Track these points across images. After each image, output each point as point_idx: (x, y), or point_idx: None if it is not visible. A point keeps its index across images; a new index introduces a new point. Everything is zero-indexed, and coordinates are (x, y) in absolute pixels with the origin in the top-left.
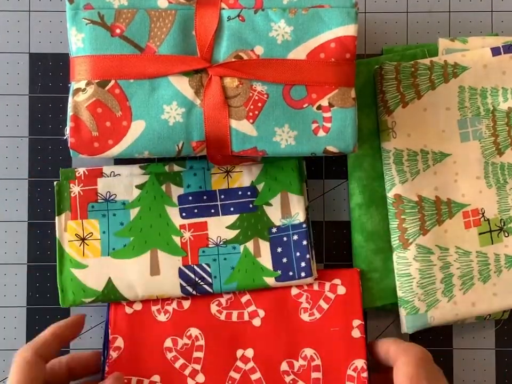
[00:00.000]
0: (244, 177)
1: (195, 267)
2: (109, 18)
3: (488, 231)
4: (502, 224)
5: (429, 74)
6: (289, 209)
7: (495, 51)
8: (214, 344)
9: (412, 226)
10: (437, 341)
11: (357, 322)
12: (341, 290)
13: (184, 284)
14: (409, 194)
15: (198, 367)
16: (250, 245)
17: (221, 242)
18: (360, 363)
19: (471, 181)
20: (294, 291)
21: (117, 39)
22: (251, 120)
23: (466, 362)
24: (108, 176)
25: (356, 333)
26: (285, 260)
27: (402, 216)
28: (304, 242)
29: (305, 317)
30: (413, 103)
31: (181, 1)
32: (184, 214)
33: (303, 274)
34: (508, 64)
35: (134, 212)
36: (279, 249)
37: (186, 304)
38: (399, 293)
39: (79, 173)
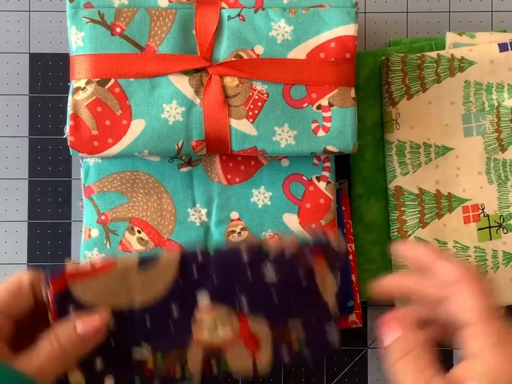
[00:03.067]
0: None
1: None
2: (109, 17)
3: (487, 227)
4: (502, 220)
5: (435, 68)
6: None
7: (502, 47)
8: None
9: (412, 218)
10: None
11: None
12: None
13: None
14: (410, 186)
15: None
16: None
17: None
18: None
19: (473, 176)
20: None
21: (117, 38)
22: (251, 120)
23: None
24: None
25: None
26: None
27: (402, 208)
28: None
29: None
30: (417, 95)
31: (181, 1)
32: None
33: None
34: None
35: None
36: None
37: None
38: None
39: None
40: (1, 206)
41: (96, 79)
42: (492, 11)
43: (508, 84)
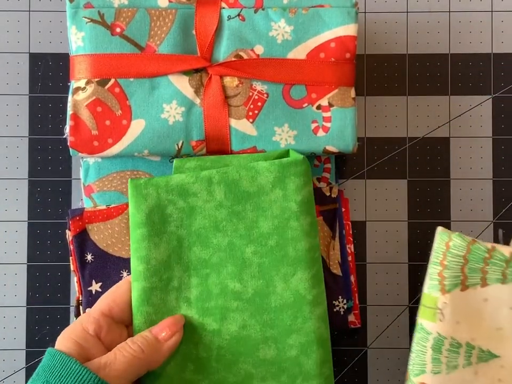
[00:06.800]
0: None
1: None
2: (109, 17)
3: None
4: None
5: (504, 267)
6: None
7: None
8: None
9: None
10: None
11: None
12: None
13: None
14: None
15: None
16: None
17: None
18: None
19: None
20: None
21: (117, 38)
22: (251, 120)
23: None
24: None
25: None
26: None
27: None
28: None
29: None
30: (474, 288)
31: (181, 1)
32: None
33: None
34: None
35: None
36: None
37: None
38: None
39: None
40: (1, 206)
41: (96, 79)
42: (491, 11)
43: None
